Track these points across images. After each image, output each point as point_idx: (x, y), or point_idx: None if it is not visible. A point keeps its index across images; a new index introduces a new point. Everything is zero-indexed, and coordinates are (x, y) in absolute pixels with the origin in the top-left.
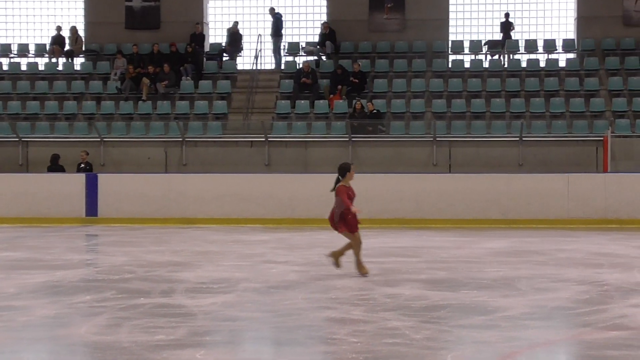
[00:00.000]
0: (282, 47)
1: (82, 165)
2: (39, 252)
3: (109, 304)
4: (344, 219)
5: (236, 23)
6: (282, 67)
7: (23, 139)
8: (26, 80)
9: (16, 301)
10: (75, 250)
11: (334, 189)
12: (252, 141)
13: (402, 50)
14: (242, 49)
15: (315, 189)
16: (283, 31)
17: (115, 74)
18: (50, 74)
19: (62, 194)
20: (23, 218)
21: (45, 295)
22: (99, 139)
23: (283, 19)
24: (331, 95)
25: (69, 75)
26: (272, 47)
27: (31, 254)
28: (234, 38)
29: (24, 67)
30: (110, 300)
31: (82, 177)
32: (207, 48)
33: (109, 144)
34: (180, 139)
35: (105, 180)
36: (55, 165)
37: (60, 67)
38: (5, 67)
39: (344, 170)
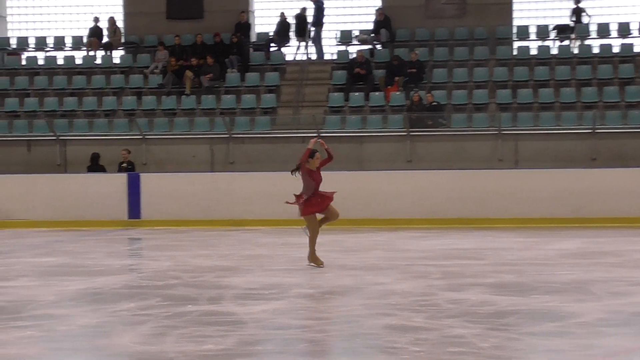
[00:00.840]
0: (322, 36)
1: (124, 165)
2: (79, 257)
3: (154, 311)
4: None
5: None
6: (334, 57)
7: (61, 137)
8: (63, 75)
9: (55, 309)
10: (116, 255)
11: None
12: (302, 137)
13: (463, 37)
14: (290, 38)
15: (371, 188)
16: (333, 19)
17: (157, 67)
18: (88, 68)
19: (103, 196)
20: (61, 221)
21: (86, 303)
22: (140, 136)
23: (334, 6)
24: (387, 87)
25: (108, 69)
26: (312, 37)
27: (70, 259)
28: (283, 27)
29: (60, 61)
30: (155, 308)
31: (123, 177)
32: (253, 38)
33: (151, 142)
34: (227, 135)
35: (147, 181)
36: (95, 165)
37: (98, 61)
38: (41, 62)
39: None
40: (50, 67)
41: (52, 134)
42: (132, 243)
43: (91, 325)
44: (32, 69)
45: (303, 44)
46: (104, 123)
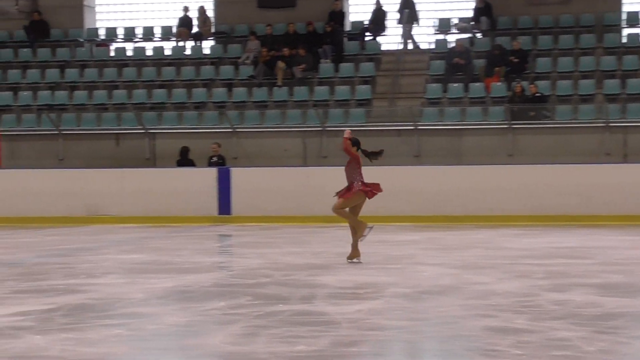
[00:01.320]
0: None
1: (214, 159)
2: (168, 254)
3: (244, 311)
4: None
5: None
6: (432, 46)
7: (149, 131)
8: (152, 66)
9: (144, 308)
10: (206, 252)
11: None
12: (399, 129)
13: (568, 24)
14: (386, 27)
15: (470, 183)
16: (432, 7)
17: (248, 58)
18: (178, 59)
19: (192, 191)
20: (150, 217)
21: (175, 302)
22: (230, 130)
23: None
24: (487, 77)
25: (198, 60)
26: (402, 33)
27: (159, 256)
28: (378, 15)
29: (149, 52)
30: (246, 307)
31: (213, 171)
32: (347, 27)
33: (242, 135)
34: (320, 128)
35: (238, 175)
36: (185, 159)
37: (188, 52)
38: (129, 53)
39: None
40: (139, 58)
41: (140, 127)
42: (222, 240)
43: (180, 324)
44: (121, 61)
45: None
46: (194, 116)
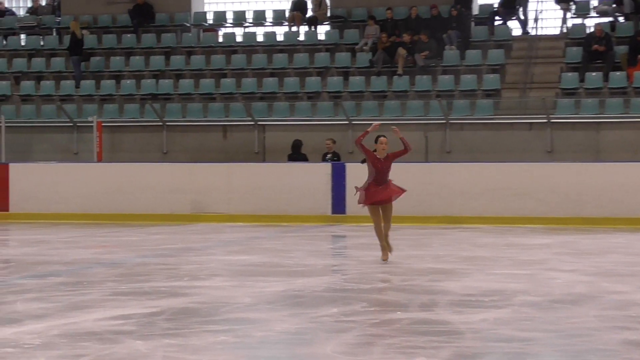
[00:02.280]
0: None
1: (329, 156)
2: (278, 255)
3: (359, 318)
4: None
5: None
6: (566, 31)
7: (259, 123)
8: (263, 53)
9: (252, 313)
10: (319, 254)
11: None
12: (530, 122)
13: None
14: (517, 11)
15: (609, 182)
16: None
17: (366, 44)
18: (290, 46)
19: (305, 188)
20: (259, 215)
21: (285, 307)
22: (346, 122)
23: None
24: (630, 66)
25: (312, 46)
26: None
27: (268, 257)
28: None
29: (260, 38)
30: (361, 314)
31: (327, 167)
32: (475, 11)
33: (358, 128)
34: (443, 121)
35: (354, 171)
36: (296, 153)
37: (301, 37)
38: (239, 39)
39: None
40: (249, 45)
41: (249, 118)
42: (336, 241)
43: (290, 331)
44: (230, 47)
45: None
46: (307, 106)
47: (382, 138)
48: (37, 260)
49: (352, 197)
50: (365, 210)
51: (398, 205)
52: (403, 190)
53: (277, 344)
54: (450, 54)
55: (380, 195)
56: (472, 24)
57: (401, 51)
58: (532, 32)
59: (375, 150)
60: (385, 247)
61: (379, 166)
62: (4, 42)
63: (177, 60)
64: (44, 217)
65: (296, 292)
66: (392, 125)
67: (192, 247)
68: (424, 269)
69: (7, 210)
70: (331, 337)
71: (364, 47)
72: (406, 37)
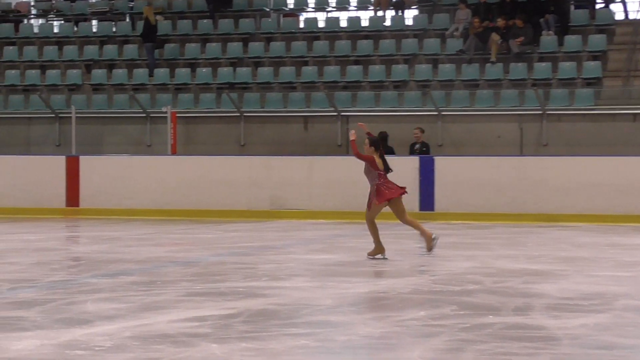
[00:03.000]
0: None
1: (417, 147)
2: (361, 255)
3: (448, 322)
4: (379, 191)
5: None
6: None
7: (342, 113)
8: (346, 39)
9: (334, 315)
10: (405, 254)
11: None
12: (634, 113)
13: None
14: None
15: None
16: None
17: (456, 30)
18: (376, 31)
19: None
20: (342, 212)
21: (369, 310)
22: (435, 112)
23: None
24: None
25: (399, 32)
26: None
27: (352, 257)
28: None
29: (343, 24)
30: (450, 318)
31: (415, 161)
32: None
33: (448, 119)
34: (540, 112)
35: (443, 165)
36: (383, 146)
37: (387, 22)
38: (321, 24)
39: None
40: (332, 30)
41: (332, 108)
42: (424, 240)
43: (374, 335)
44: (311, 33)
45: None
46: (393, 96)
47: (366, 140)
48: (108, 258)
49: (441, 193)
50: (453, 207)
51: (491, 202)
52: (403, 188)
53: (361, 349)
54: (548, 39)
55: (396, 189)
56: (571, 7)
57: (494, 37)
58: (637, 16)
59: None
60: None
61: (379, 168)
62: (75, 29)
63: (256, 47)
64: (115, 213)
65: (381, 294)
66: (359, 122)
67: (270, 246)
68: (517, 270)
69: (78, 205)
70: (418, 342)
71: (455, 33)
72: (500, 22)
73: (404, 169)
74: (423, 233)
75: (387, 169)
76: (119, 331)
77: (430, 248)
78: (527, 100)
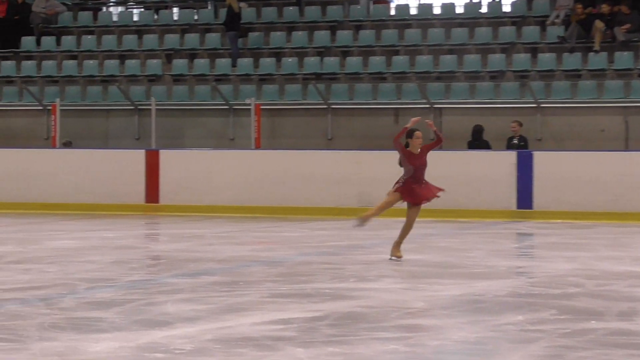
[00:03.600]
0: None
1: (514, 141)
2: (455, 254)
3: (548, 327)
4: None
5: None
6: None
7: (435, 105)
8: (439, 27)
9: (426, 319)
10: (502, 254)
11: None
12: None
13: None
14: None
15: None
16: None
17: (558, 17)
18: (471, 19)
19: (486, 179)
20: (434, 210)
21: (463, 313)
22: (534, 104)
23: None
24: None
25: (495, 19)
26: None
27: (445, 257)
28: None
29: (436, 11)
30: (549, 323)
31: (512, 155)
32: None
33: (548, 111)
34: None
35: (542, 161)
36: (477, 140)
37: (483, 9)
38: (413, 11)
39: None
40: (425, 18)
41: (424, 100)
42: (522, 239)
43: (469, 340)
44: (403, 21)
45: None
46: (489, 87)
47: (417, 132)
48: (189, 257)
49: (540, 189)
50: (553, 204)
51: (594, 200)
52: (441, 189)
53: (454, 355)
54: None
55: (421, 196)
56: None
57: (598, 24)
58: None
59: (407, 146)
60: (369, 217)
61: (416, 163)
62: (155, 17)
63: (344, 36)
64: (196, 210)
65: (476, 297)
66: (418, 117)
67: (359, 245)
68: (622, 273)
69: (157, 202)
70: (516, 348)
71: (555, 20)
72: (604, 8)
73: (500, 165)
74: (370, 216)
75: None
76: (200, 334)
77: (358, 223)
78: (633, 92)
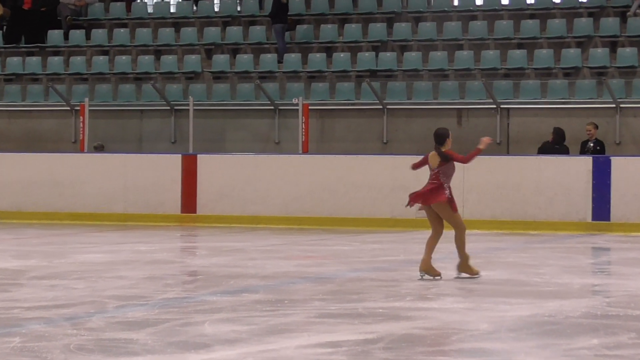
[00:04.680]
0: None
1: (590, 145)
2: (524, 271)
3: (626, 352)
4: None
5: None
6: None
7: (502, 106)
8: (508, 19)
9: (490, 342)
10: (576, 271)
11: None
12: None
13: None
14: None
15: None
16: None
17: (639, 7)
18: (543, 9)
19: (559, 187)
20: (500, 221)
21: (532, 336)
22: (613, 105)
23: None
24: None
25: (570, 9)
26: None
27: (512, 274)
28: None
29: (504, 1)
30: (628, 348)
31: (587, 161)
32: None
33: (628, 112)
34: None
35: (621, 167)
36: (559, 144)
37: (557, 0)
38: (479, 2)
39: (442, 137)
40: (491, 9)
41: (490, 100)
42: (598, 254)
43: None
44: (467, 12)
45: None
46: (563, 85)
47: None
48: (229, 273)
49: (619, 199)
50: (633, 215)
51: None
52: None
53: None
54: None
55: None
56: None
57: None
58: None
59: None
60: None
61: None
62: (194, 8)
63: (402, 29)
64: (238, 221)
65: (546, 318)
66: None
67: (416, 260)
68: None
69: (195, 211)
70: None
71: (638, 11)
72: None
73: (574, 171)
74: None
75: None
76: (241, 357)
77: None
78: None
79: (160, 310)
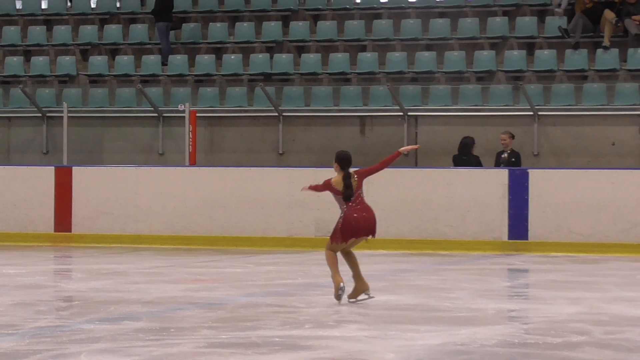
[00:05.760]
0: None
1: (504, 156)
2: (433, 296)
3: None
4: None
5: None
6: None
7: (410, 113)
8: (415, 18)
9: None
10: (490, 295)
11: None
12: None
13: None
14: None
15: None
16: None
17: (559, 5)
18: (454, 7)
19: (472, 203)
20: (408, 240)
21: None
22: (530, 112)
23: None
24: None
25: (484, 8)
26: None
27: (420, 298)
28: None
29: None
30: None
31: (502, 174)
32: None
33: (547, 120)
34: None
35: (540, 181)
36: (466, 155)
37: None
38: None
39: (349, 160)
40: (398, 6)
41: (396, 107)
42: (515, 276)
43: None
44: (371, 9)
45: None
46: (475, 91)
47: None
48: (108, 299)
49: (537, 216)
50: (552, 234)
51: (601, 228)
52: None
53: None
54: None
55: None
56: None
57: (608, 15)
58: None
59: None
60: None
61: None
62: (68, 4)
63: (299, 28)
64: (118, 240)
65: (459, 347)
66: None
67: (316, 283)
68: (637, 318)
69: (70, 230)
70: None
71: (556, 10)
72: None
73: (488, 185)
74: (334, 276)
75: (347, 196)
76: None
77: (336, 296)
78: None
79: (31, 340)
